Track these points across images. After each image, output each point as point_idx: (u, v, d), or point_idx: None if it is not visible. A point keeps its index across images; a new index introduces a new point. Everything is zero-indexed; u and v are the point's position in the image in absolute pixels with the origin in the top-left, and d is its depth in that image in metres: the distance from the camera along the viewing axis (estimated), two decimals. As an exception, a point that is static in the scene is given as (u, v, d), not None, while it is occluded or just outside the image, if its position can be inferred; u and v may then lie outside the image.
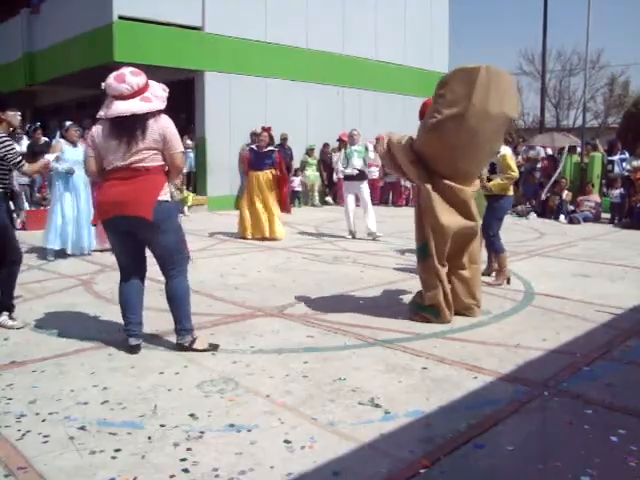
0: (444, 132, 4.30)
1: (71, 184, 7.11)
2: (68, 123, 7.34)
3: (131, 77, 3.57)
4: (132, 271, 3.83)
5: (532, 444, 2.69)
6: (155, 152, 3.61)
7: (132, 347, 3.77)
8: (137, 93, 3.57)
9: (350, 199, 9.12)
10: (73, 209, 7.13)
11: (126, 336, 3.81)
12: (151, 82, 3.69)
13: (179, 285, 3.80)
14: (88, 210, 7.29)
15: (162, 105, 3.63)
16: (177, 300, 3.81)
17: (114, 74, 3.59)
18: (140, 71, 3.67)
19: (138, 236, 3.73)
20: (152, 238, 3.69)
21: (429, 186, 4.46)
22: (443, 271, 4.55)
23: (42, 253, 7.12)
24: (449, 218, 4.47)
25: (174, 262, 3.76)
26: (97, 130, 3.68)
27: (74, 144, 7.19)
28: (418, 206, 4.64)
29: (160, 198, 3.61)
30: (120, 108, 3.54)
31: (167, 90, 3.73)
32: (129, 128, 3.53)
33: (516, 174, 5.70)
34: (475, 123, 4.26)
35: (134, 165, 3.58)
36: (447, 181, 4.47)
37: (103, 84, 3.66)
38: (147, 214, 3.55)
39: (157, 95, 3.64)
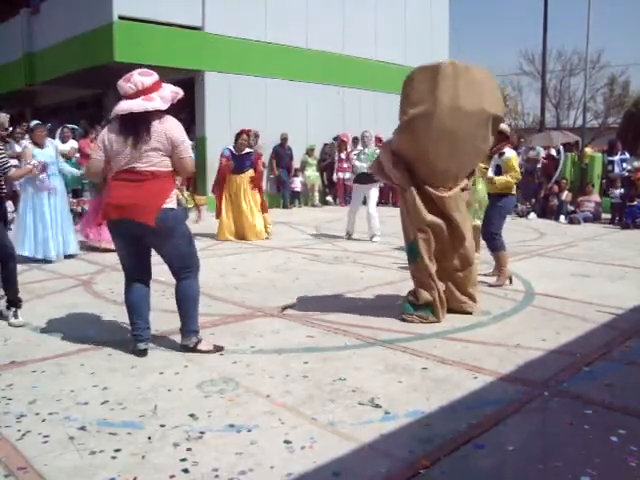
0: (414, 132, 4.29)
1: (43, 187, 6.69)
2: (33, 123, 6.99)
3: (137, 77, 3.56)
4: (137, 275, 3.79)
5: (532, 444, 2.69)
6: (162, 155, 3.57)
7: (140, 351, 3.74)
8: (141, 93, 3.54)
9: (357, 201, 9.05)
10: (48, 214, 6.74)
11: (132, 339, 3.78)
12: (165, 84, 3.66)
13: (189, 286, 3.78)
14: (66, 213, 7.05)
15: (163, 106, 3.56)
16: (186, 301, 3.78)
17: (127, 74, 3.59)
18: (150, 72, 3.65)
19: (143, 240, 3.69)
20: (158, 244, 3.67)
21: (413, 189, 4.47)
22: (433, 268, 4.57)
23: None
24: (433, 218, 4.49)
25: (184, 266, 3.74)
26: (107, 130, 3.66)
27: (41, 145, 6.78)
28: (403, 207, 4.66)
29: (165, 206, 3.56)
30: (121, 106, 3.55)
31: (180, 93, 3.68)
32: (132, 127, 3.52)
33: (519, 176, 5.82)
34: (448, 121, 4.22)
35: (140, 168, 3.54)
36: (428, 187, 4.46)
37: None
38: (149, 220, 3.51)
39: (162, 96, 3.58)
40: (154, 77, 3.63)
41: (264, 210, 9.00)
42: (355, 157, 9.26)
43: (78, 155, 10.94)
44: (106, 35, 12.03)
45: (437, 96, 4.15)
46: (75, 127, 11.92)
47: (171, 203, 3.62)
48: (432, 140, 4.27)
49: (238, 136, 8.80)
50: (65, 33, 13.78)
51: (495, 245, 5.84)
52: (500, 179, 5.70)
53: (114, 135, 3.58)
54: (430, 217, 4.48)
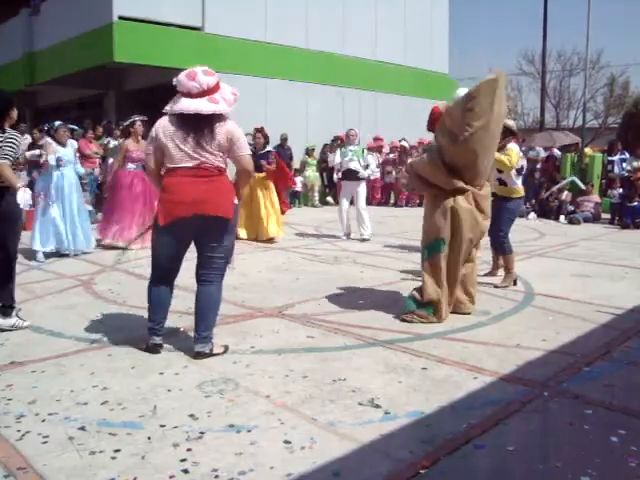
0: (474, 142, 4.50)
1: (59, 183, 7.02)
2: (57, 123, 7.25)
3: (202, 76, 3.52)
4: (170, 273, 3.78)
5: (532, 444, 2.69)
6: (222, 156, 3.58)
7: (156, 345, 3.75)
8: (205, 93, 3.52)
9: (345, 200, 9.05)
10: (63, 209, 7.02)
11: (147, 335, 3.78)
12: (223, 85, 3.64)
13: (217, 292, 3.75)
14: (83, 209, 7.33)
15: (228, 109, 3.58)
16: (211, 307, 3.74)
17: (186, 71, 3.56)
18: (212, 71, 3.61)
19: (199, 236, 3.65)
20: (214, 239, 3.63)
21: (469, 190, 4.63)
22: (459, 269, 4.69)
23: (31, 253, 6.93)
24: (482, 220, 4.71)
25: (221, 265, 3.72)
26: (162, 125, 3.58)
27: (63, 144, 7.14)
28: (435, 204, 4.68)
29: (235, 200, 3.64)
30: (185, 105, 3.50)
31: (237, 93, 3.69)
32: (195, 127, 3.50)
33: (513, 162, 5.67)
34: (494, 128, 4.57)
35: (206, 165, 3.53)
36: (471, 187, 4.64)
37: (175, 80, 3.61)
38: (228, 213, 3.54)
39: (225, 98, 3.58)
40: (216, 77, 3.60)
41: (283, 210, 8.92)
42: (338, 153, 9.18)
43: (78, 155, 10.93)
44: (106, 35, 12.05)
45: (494, 108, 4.45)
46: (75, 127, 11.90)
47: (236, 198, 3.71)
48: (483, 147, 4.55)
49: (254, 135, 8.83)
50: (65, 33, 13.81)
51: (504, 249, 5.85)
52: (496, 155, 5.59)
53: (172, 130, 3.53)
54: (481, 220, 4.68)
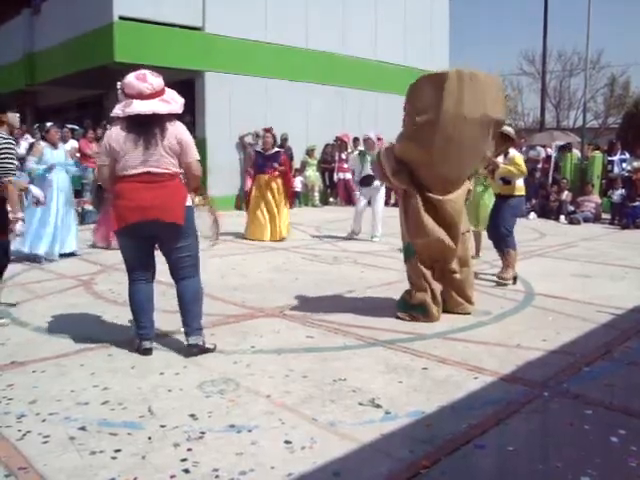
0: (419, 140, 4.34)
1: (49, 186, 6.82)
2: (49, 124, 7.23)
3: (152, 77, 3.56)
4: (144, 275, 3.79)
5: (532, 444, 2.69)
6: (173, 158, 3.59)
7: (146, 350, 3.75)
8: (157, 94, 3.56)
9: (363, 202, 9.06)
10: (53, 212, 6.87)
11: (137, 338, 3.79)
12: (166, 88, 3.68)
13: (193, 284, 3.79)
14: (70, 212, 7.21)
15: (180, 109, 3.62)
16: (197, 300, 3.78)
17: (134, 73, 3.57)
18: (157, 74, 3.65)
19: (159, 240, 3.70)
20: (174, 242, 3.66)
21: (418, 196, 4.52)
22: (428, 272, 4.65)
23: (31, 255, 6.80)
24: (434, 226, 4.52)
25: (192, 263, 3.76)
26: (113, 133, 3.60)
27: (55, 145, 7.11)
28: (403, 207, 4.71)
29: (187, 204, 3.64)
30: (140, 107, 3.50)
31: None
32: (148, 129, 3.51)
33: (524, 169, 5.85)
34: (452, 129, 4.24)
35: (157, 170, 3.54)
36: (429, 194, 4.50)
37: (119, 83, 3.63)
38: (179, 219, 3.56)
39: (175, 99, 3.64)
40: (162, 79, 3.65)
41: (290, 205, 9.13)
42: (357, 159, 9.20)
43: (78, 155, 10.95)
44: (106, 35, 12.04)
45: (442, 105, 4.18)
46: (75, 127, 11.91)
47: (189, 202, 3.70)
48: (436, 147, 4.31)
49: (263, 135, 8.93)
50: (66, 33, 13.80)
51: (507, 243, 5.87)
52: (502, 167, 5.77)
53: (123, 136, 3.55)
54: (431, 225, 4.51)
